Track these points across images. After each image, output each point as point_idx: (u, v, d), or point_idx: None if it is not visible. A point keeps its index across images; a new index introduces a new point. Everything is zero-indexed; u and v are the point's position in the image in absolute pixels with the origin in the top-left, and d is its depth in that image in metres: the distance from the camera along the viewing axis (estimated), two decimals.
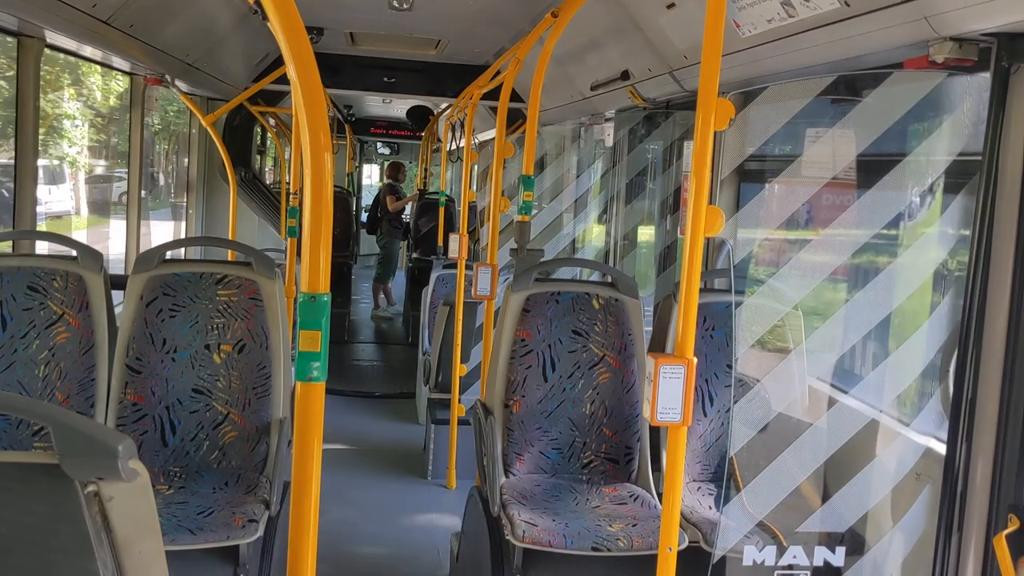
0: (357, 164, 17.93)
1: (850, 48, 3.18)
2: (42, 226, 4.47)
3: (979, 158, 2.79)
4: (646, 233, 6.69)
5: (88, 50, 5.14)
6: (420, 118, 11.51)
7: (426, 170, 13.58)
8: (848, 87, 3.72)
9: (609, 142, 7.22)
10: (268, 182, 12.21)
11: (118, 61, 5.78)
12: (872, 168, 3.34)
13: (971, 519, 2.91)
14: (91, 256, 3.86)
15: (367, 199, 19.06)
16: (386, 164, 20.24)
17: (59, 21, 4.11)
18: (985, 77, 2.74)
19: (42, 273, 3.81)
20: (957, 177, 3.01)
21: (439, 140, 12.51)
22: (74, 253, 3.88)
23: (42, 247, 4.61)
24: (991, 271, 2.81)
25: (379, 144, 19.43)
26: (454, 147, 9.58)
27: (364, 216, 14.98)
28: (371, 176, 23.01)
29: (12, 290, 3.77)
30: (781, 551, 2.98)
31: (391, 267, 12.69)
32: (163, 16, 5.30)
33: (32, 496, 1.38)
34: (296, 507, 1.96)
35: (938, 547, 2.94)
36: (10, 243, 4.40)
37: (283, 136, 11.29)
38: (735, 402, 3.29)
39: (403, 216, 12.50)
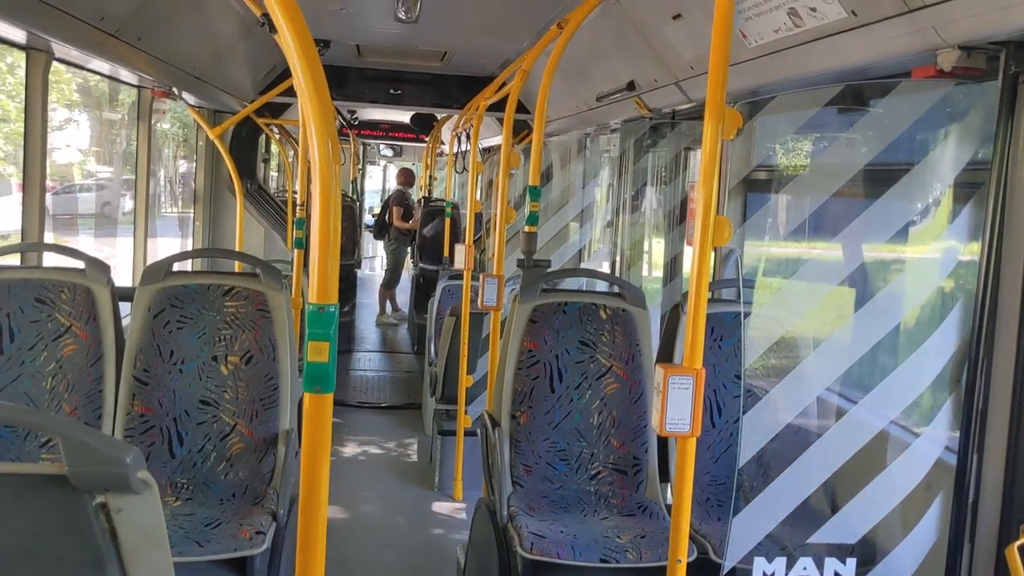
0: (361, 168, 17.96)
1: (857, 58, 3.18)
2: None
3: (988, 167, 2.79)
4: (654, 248, 6.68)
5: (95, 63, 5.15)
6: (424, 122, 11.54)
7: (430, 176, 13.60)
8: (855, 97, 3.72)
9: (615, 152, 7.23)
10: (272, 192, 12.21)
11: (126, 74, 5.81)
12: (880, 178, 3.34)
13: (983, 530, 2.90)
14: (98, 268, 3.87)
15: (370, 202, 19.14)
16: (392, 167, 20.28)
17: (67, 35, 4.13)
18: (994, 86, 2.73)
19: (49, 285, 3.82)
20: (966, 186, 3.00)
21: (443, 143, 12.51)
22: (82, 265, 3.88)
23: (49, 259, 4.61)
24: (1001, 280, 2.80)
25: (382, 146, 19.44)
26: (459, 152, 9.59)
27: (369, 219, 15.01)
28: (378, 179, 23.07)
29: (19, 302, 3.78)
30: (791, 563, 2.96)
31: (399, 272, 12.74)
32: (170, 29, 5.32)
33: (41, 508, 1.38)
34: (304, 519, 1.95)
35: (949, 558, 2.92)
36: (18, 255, 4.41)
37: (288, 147, 11.33)
38: (744, 413, 3.27)
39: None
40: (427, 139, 12.54)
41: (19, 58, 6.18)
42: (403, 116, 12.58)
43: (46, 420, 1.43)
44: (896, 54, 2.96)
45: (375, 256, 18.61)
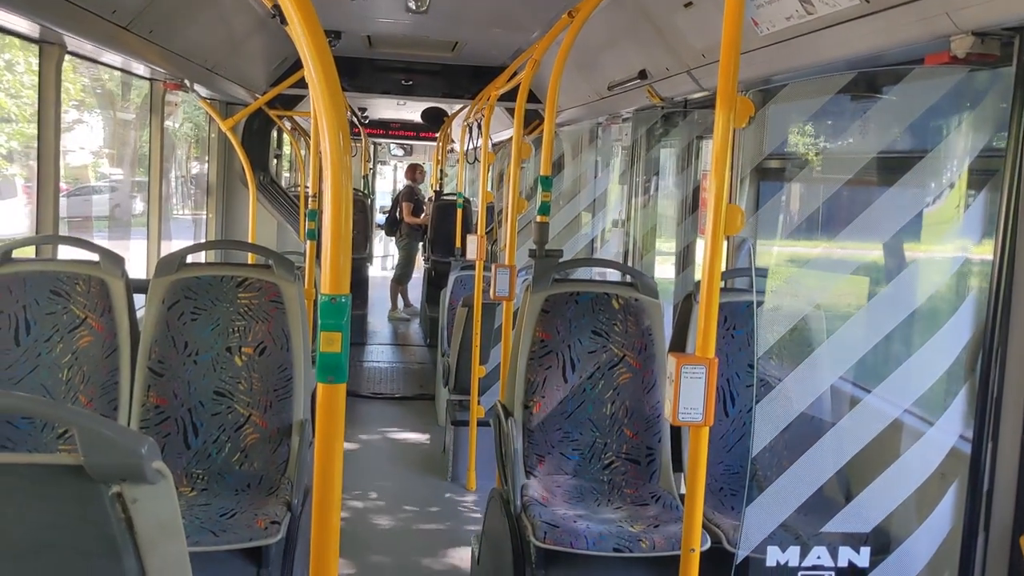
0: (372, 166, 18.01)
1: (870, 44, 3.16)
2: None
3: (1002, 154, 2.77)
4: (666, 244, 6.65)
5: (108, 56, 5.17)
6: (435, 118, 11.57)
7: (441, 171, 13.63)
8: (868, 84, 3.70)
9: (626, 142, 7.21)
10: (284, 185, 12.26)
11: (138, 67, 5.82)
12: (893, 165, 3.32)
13: (997, 519, 2.89)
14: (113, 260, 3.89)
15: (381, 201, 19.24)
16: (402, 166, 20.36)
17: (80, 28, 4.14)
18: (1008, 72, 2.71)
19: (64, 277, 3.84)
20: (980, 174, 2.98)
21: (453, 141, 12.53)
22: (96, 258, 3.91)
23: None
24: (1016, 267, 2.78)
25: (392, 145, 19.49)
26: (471, 147, 9.60)
27: (380, 218, 15.10)
28: (390, 179, 23.17)
29: (35, 295, 3.81)
30: (805, 552, 2.96)
31: (410, 268, 12.77)
32: (182, 21, 5.33)
33: (57, 498, 1.39)
34: (318, 509, 1.96)
35: (964, 547, 2.91)
36: (33, 248, 4.44)
37: (300, 139, 11.35)
38: (757, 402, 3.26)
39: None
40: (437, 136, 12.56)
41: (17, 55, 6.15)
42: (413, 115, 12.61)
43: (62, 411, 1.44)
44: (909, 41, 2.94)
45: (386, 255, 18.70)
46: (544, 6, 5.75)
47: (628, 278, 4.27)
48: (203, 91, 6.97)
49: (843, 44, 3.30)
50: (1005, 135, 2.74)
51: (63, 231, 4.85)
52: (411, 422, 7.84)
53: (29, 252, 4.37)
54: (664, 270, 6.58)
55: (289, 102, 9.05)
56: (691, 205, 5.92)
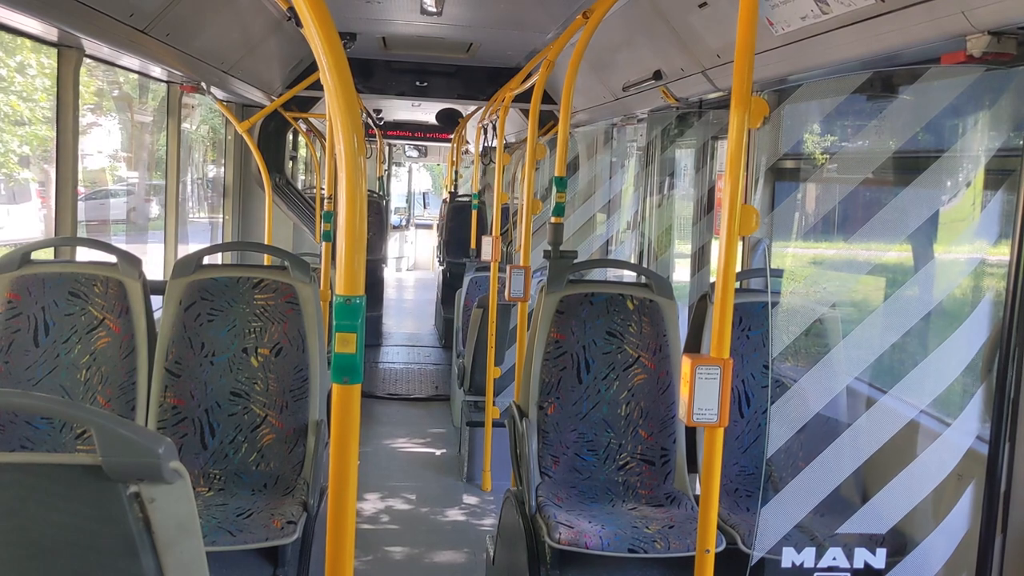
0: (387, 167, 18.07)
1: (885, 44, 3.15)
2: None
3: (1019, 154, 2.75)
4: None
5: (125, 59, 5.21)
6: (450, 119, 11.62)
7: (456, 172, 13.69)
8: (884, 84, 3.68)
9: (641, 142, 7.20)
10: (299, 187, 12.33)
11: (155, 69, 5.86)
12: (909, 165, 3.30)
13: (1015, 521, 2.87)
14: (130, 262, 3.92)
15: (396, 202, 19.37)
16: (417, 167, 20.45)
17: (98, 31, 4.18)
18: None
19: (83, 279, 3.87)
20: (997, 173, 2.97)
21: (468, 142, 12.57)
22: (114, 259, 3.94)
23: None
24: None
25: (407, 147, 19.53)
26: (485, 146, 9.60)
27: (395, 219, 15.29)
28: (405, 181, 23.24)
29: (54, 296, 3.84)
30: (820, 553, 2.95)
31: None
32: (199, 24, 5.36)
33: (75, 498, 1.41)
34: (333, 509, 1.97)
35: (981, 549, 2.89)
36: (52, 250, 4.47)
37: (316, 141, 11.40)
38: (772, 403, 3.26)
39: None
40: (452, 137, 12.61)
41: (29, 56, 6.19)
42: (428, 116, 12.66)
43: (80, 411, 1.45)
44: (925, 40, 2.93)
45: (401, 256, 18.78)
46: (559, 7, 5.76)
47: (643, 279, 4.26)
48: (219, 93, 7.00)
49: (858, 44, 3.28)
50: (1022, 134, 2.73)
51: (80, 235, 4.88)
52: (426, 423, 7.86)
53: (48, 254, 4.40)
54: (679, 272, 6.56)
55: (305, 104, 9.08)
56: (706, 206, 5.91)
